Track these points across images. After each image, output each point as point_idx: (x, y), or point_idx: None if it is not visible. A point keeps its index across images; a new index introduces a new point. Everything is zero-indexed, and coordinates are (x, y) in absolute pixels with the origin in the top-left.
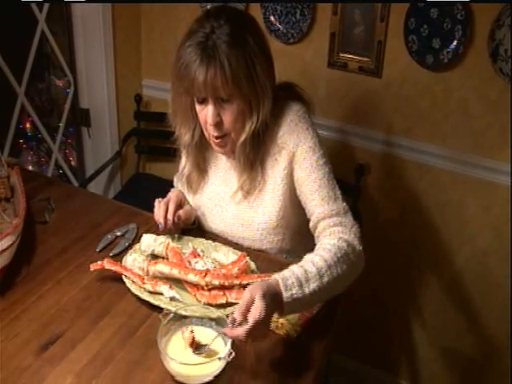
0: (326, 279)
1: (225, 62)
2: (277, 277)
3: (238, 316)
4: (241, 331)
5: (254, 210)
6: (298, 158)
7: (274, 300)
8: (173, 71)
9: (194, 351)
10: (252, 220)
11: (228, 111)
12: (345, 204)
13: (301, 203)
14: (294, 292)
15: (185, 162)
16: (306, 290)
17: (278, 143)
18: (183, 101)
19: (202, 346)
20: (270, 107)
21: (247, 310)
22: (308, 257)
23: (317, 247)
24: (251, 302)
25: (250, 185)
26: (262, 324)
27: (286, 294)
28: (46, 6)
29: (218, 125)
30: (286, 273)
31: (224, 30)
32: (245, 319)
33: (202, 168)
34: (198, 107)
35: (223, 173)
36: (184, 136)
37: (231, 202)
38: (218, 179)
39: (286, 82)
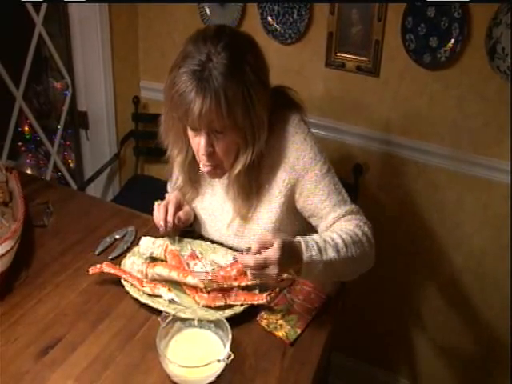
0: (342, 255)
1: (221, 95)
2: (299, 238)
3: (254, 247)
4: (251, 258)
5: (249, 222)
6: (300, 171)
7: (292, 256)
8: (166, 95)
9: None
10: (247, 232)
11: (222, 142)
12: (354, 205)
13: (302, 214)
14: (313, 254)
15: (177, 176)
16: (324, 257)
17: (274, 157)
18: (176, 124)
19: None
20: (266, 137)
21: (264, 246)
22: (325, 233)
23: (332, 228)
24: (270, 245)
25: (246, 210)
26: (270, 268)
27: (306, 254)
28: (44, 8)
29: (211, 155)
30: (307, 237)
31: (221, 58)
32: (258, 253)
33: (194, 181)
34: (190, 133)
35: (217, 186)
36: (177, 157)
37: (225, 213)
38: (212, 191)
39: (277, 87)
